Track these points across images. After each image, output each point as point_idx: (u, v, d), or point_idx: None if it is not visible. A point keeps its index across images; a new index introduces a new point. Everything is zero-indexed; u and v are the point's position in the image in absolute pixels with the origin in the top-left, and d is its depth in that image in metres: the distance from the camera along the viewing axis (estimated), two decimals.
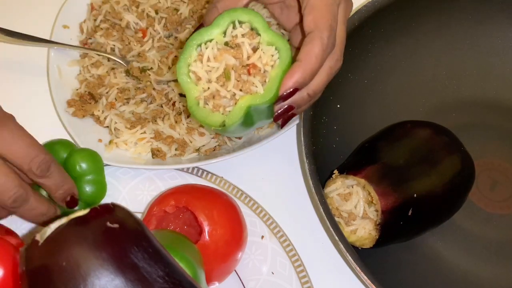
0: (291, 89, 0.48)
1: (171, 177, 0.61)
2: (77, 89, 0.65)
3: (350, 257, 0.49)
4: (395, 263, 0.59)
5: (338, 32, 0.50)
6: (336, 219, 0.55)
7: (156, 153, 0.61)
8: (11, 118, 0.50)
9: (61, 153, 0.57)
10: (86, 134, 0.62)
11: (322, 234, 0.60)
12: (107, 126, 0.63)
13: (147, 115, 0.64)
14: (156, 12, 0.68)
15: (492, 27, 0.68)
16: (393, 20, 0.64)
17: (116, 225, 0.38)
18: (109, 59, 0.67)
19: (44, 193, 0.56)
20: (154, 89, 0.65)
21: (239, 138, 0.64)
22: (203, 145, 0.62)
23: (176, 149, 0.62)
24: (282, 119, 0.51)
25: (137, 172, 0.62)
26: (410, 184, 0.55)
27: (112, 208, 0.39)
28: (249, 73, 0.49)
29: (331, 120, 0.62)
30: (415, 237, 0.59)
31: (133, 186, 0.61)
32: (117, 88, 0.64)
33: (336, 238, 0.50)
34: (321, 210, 0.51)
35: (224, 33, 0.50)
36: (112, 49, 0.67)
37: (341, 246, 0.50)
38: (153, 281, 0.37)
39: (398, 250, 0.59)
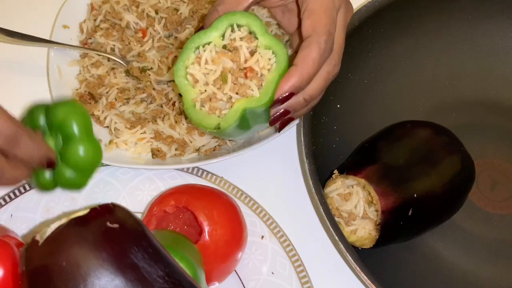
0: (287, 93, 0.48)
1: (171, 177, 0.61)
2: (77, 89, 0.65)
3: (350, 257, 0.49)
4: (395, 263, 0.59)
5: (336, 37, 0.50)
6: (336, 219, 0.55)
7: (156, 153, 0.61)
8: None
9: (40, 118, 0.53)
10: None
11: (322, 234, 0.60)
12: (107, 126, 0.63)
13: (147, 115, 0.64)
14: (156, 12, 0.68)
15: (492, 27, 0.68)
16: (393, 20, 0.64)
17: (116, 225, 0.38)
18: (109, 59, 0.67)
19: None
20: (154, 89, 0.65)
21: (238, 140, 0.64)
22: (203, 145, 0.62)
23: (176, 149, 0.62)
24: (280, 123, 0.51)
25: (137, 172, 0.62)
26: (410, 184, 0.55)
27: (112, 208, 0.39)
28: (246, 77, 0.49)
29: (331, 120, 0.62)
30: (415, 237, 0.59)
31: (133, 186, 0.61)
32: (117, 88, 0.64)
33: (336, 238, 0.50)
34: (321, 210, 0.51)
35: (223, 36, 0.50)
36: (112, 49, 0.67)
37: (341, 246, 0.50)
38: (153, 281, 0.37)
39: (398, 250, 0.59)
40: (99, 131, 0.63)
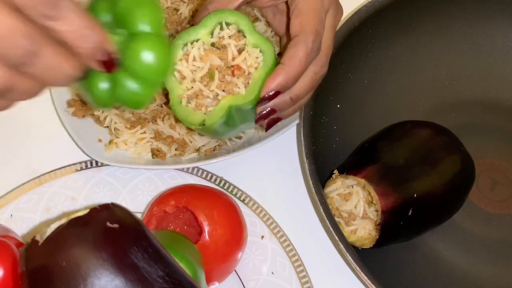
0: (273, 92, 0.48)
1: (171, 177, 0.61)
2: (77, 89, 0.65)
3: (350, 257, 0.49)
4: (395, 263, 0.59)
5: (324, 38, 0.50)
6: (336, 219, 0.55)
7: (156, 153, 0.61)
8: None
9: (103, 14, 0.41)
10: (86, 134, 0.62)
11: (322, 234, 0.60)
12: (107, 126, 0.63)
13: (147, 115, 0.64)
14: None
15: (492, 27, 0.69)
16: (393, 20, 0.64)
17: (116, 225, 0.38)
18: None
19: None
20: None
21: (239, 138, 0.63)
22: (203, 145, 0.62)
23: (176, 149, 0.62)
24: (267, 123, 0.51)
25: (137, 172, 0.62)
26: (410, 184, 0.55)
27: (112, 208, 0.39)
28: (233, 74, 0.49)
29: (331, 120, 0.62)
30: (415, 237, 0.59)
31: (133, 186, 0.61)
32: None
33: (336, 238, 0.50)
34: (321, 210, 0.51)
35: (212, 33, 0.50)
36: None
37: (341, 246, 0.50)
38: (153, 281, 0.37)
39: (398, 250, 0.59)
40: (99, 131, 0.63)
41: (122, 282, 0.36)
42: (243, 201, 0.59)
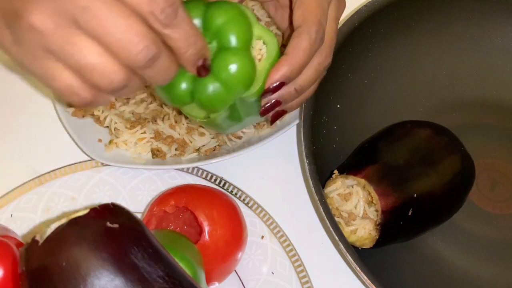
0: (278, 83, 0.48)
1: (171, 177, 0.61)
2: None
3: (350, 257, 0.49)
4: (395, 263, 0.59)
5: (327, 29, 0.50)
6: (336, 219, 0.55)
7: (156, 153, 0.61)
8: None
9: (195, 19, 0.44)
10: (86, 134, 0.62)
11: (322, 234, 0.60)
12: (107, 126, 0.63)
13: (147, 115, 0.64)
14: None
15: (492, 27, 0.68)
16: (393, 20, 0.64)
17: (116, 225, 0.38)
18: None
19: None
20: (154, 89, 0.65)
21: (239, 138, 0.64)
22: (203, 145, 0.62)
23: (176, 149, 0.62)
24: (272, 116, 0.51)
25: (137, 172, 0.62)
26: (410, 184, 0.55)
27: (112, 208, 0.39)
28: None
29: (331, 120, 0.62)
30: (415, 237, 0.59)
31: (133, 186, 0.61)
32: None
33: (336, 238, 0.50)
34: (321, 210, 0.51)
35: None
36: None
37: (341, 246, 0.50)
38: (153, 281, 0.37)
39: (398, 250, 0.59)
40: (99, 131, 0.63)
41: (122, 282, 0.36)
42: (243, 201, 0.59)
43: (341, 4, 0.52)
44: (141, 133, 0.62)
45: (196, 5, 0.45)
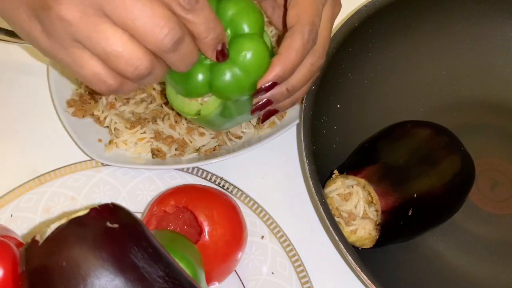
0: (270, 82, 0.48)
1: (171, 177, 0.61)
2: (77, 89, 0.65)
3: (350, 257, 0.49)
4: (395, 263, 0.59)
5: (321, 30, 0.50)
6: (336, 219, 0.55)
7: (156, 153, 0.61)
8: None
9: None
10: (86, 134, 0.62)
11: (322, 234, 0.60)
12: (107, 126, 0.63)
13: (147, 115, 0.64)
14: None
15: (492, 27, 0.68)
16: (393, 20, 0.64)
17: (116, 225, 0.38)
18: None
19: None
20: (154, 89, 0.65)
21: (239, 138, 0.64)
22: (203, 145, 0.62)
23: (176, 149, 0.62)
24: (263, 115, 0.51)
25: (137, 172, 0.62)
26: (410, 184, 0.55)
27: (112, 208, 0.39)
28: None
29: (331, 120, 0.62)
30: (415, 237, 0.59)
31: (133, 186, 0.61)
32: None
33: (336, 238, 0.50)
34: (321, 210, 0.51)
35: None
36: None
37: (341, 246, 0.50)
38: (153, 281, 0.37)
39: (398, 250, 0.59)
40: (99, 131, 0.63)
41: (122, 282, 0.36)
42: (243, 201, 0.59)
43: (336, 5, 0.52)
44: (141, 133, 0.62)
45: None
